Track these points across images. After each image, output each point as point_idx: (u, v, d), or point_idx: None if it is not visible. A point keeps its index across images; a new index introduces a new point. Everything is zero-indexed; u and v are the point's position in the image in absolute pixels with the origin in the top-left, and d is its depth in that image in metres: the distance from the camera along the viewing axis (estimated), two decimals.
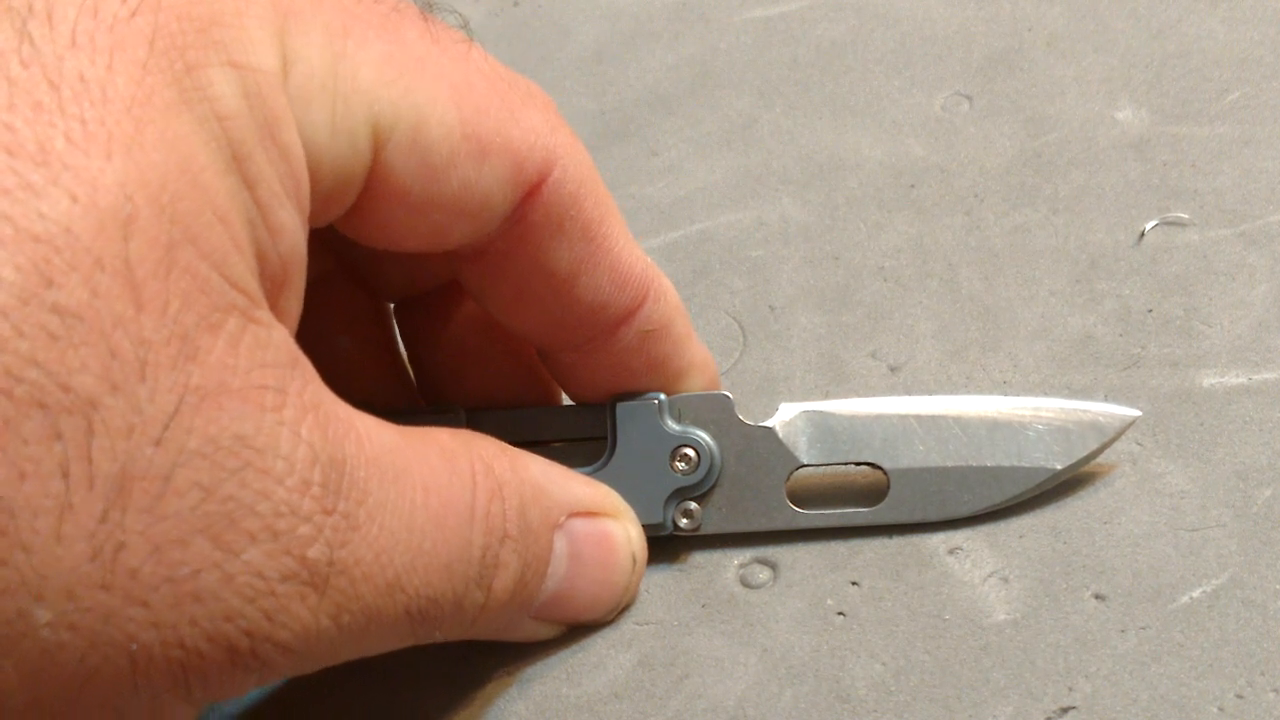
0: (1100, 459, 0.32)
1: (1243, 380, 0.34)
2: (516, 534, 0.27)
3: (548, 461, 0.30)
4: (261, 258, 0.23)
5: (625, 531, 0.30)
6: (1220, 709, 0.28)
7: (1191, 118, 0.40)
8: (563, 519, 0.29)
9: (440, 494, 0.26)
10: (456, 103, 0.26)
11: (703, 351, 0.32)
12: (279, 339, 0.23)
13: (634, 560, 0.31)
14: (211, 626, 0.22)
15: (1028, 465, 0.32)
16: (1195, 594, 0.30)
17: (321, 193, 0.25)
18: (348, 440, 0.24)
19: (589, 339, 0.30)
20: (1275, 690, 0.28)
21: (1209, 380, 0.34)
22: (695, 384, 0.32)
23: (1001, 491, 0.32)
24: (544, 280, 0.29)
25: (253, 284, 0.23)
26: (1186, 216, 0.38)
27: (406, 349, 0.34)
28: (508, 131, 0.27)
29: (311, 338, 0.32)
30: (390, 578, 0.24)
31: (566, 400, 0.33)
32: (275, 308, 0.24)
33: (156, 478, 0.21)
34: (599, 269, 0.29)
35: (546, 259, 0.29)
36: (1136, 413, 0.32)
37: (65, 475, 0.20)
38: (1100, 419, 0.32)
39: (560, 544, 0.29)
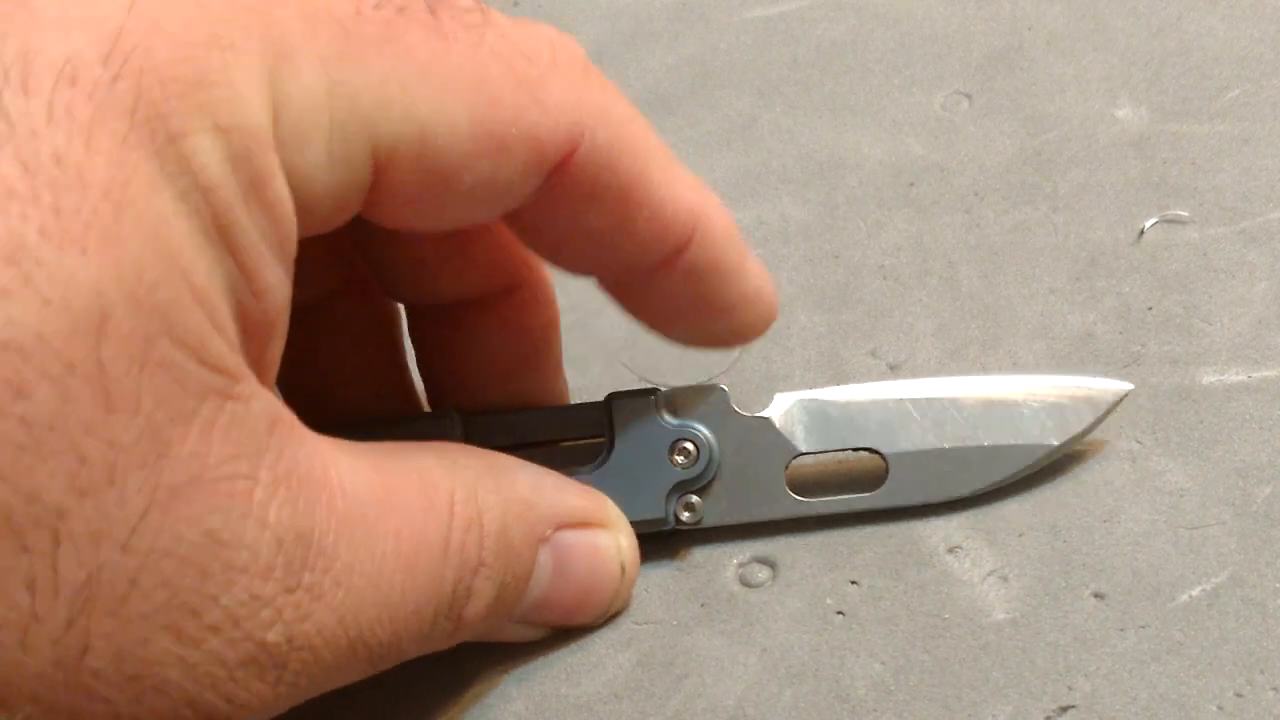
0: (1095, 434, 0.32)
1: (1242, 378, 0.34)
2: (493, 559, 0.27)
3: (540, 471, 0.29)
4: (245, 320, 0.23)
5: (615, 541, 0.30)
6: (1220, 708, 0.28)
7: (1191, 115, 0.40)
8: (549, 532, 0.29)
9: (413, 537, 0.26)
10: (468, 103, 0.25)
11: (754, 283, 0.30)
12: (257, 409, 0.23)
13: (622, 570, 0.30)
14: (172, 713, 0.22)
15: (1025, 443, 0.32)
16: (1195, 592, 0.30)
17: (319, 217, 0.25)
18: (318, 506, 0.24)
19: (633, 278, 0.29)
20: (1275, 689, 0.28)
21: (1209, 378, 0.34)
22: (745, 318, 0.30)
23: (1000, 470, 0.32)
24: (580, 236, 0.28)
25: (232, 359, 0.22)
26: (1186, 214, 0.38)
27: (414, 349, 0.33)
28: (527, 117, 0.26)
29: (316, 345, 0.32)
30: (354, 635, 0.24)
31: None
32: (259, 361, 0.24)
33: (123, 580, 0.21)
34: (638, 220, 0.28)
35: (580, 220, 0.28)
36: (1129, 386, 0.32)
37: (31, 588, 0.20)
38: (1094, 393, 0.32)
39: (544, 557, 0.29)
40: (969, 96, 0.43)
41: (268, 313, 0.24)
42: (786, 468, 0.32)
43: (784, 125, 0.43)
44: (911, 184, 0.40)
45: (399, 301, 0.33)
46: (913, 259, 0.38)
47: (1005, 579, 0.31)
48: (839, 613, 0.31)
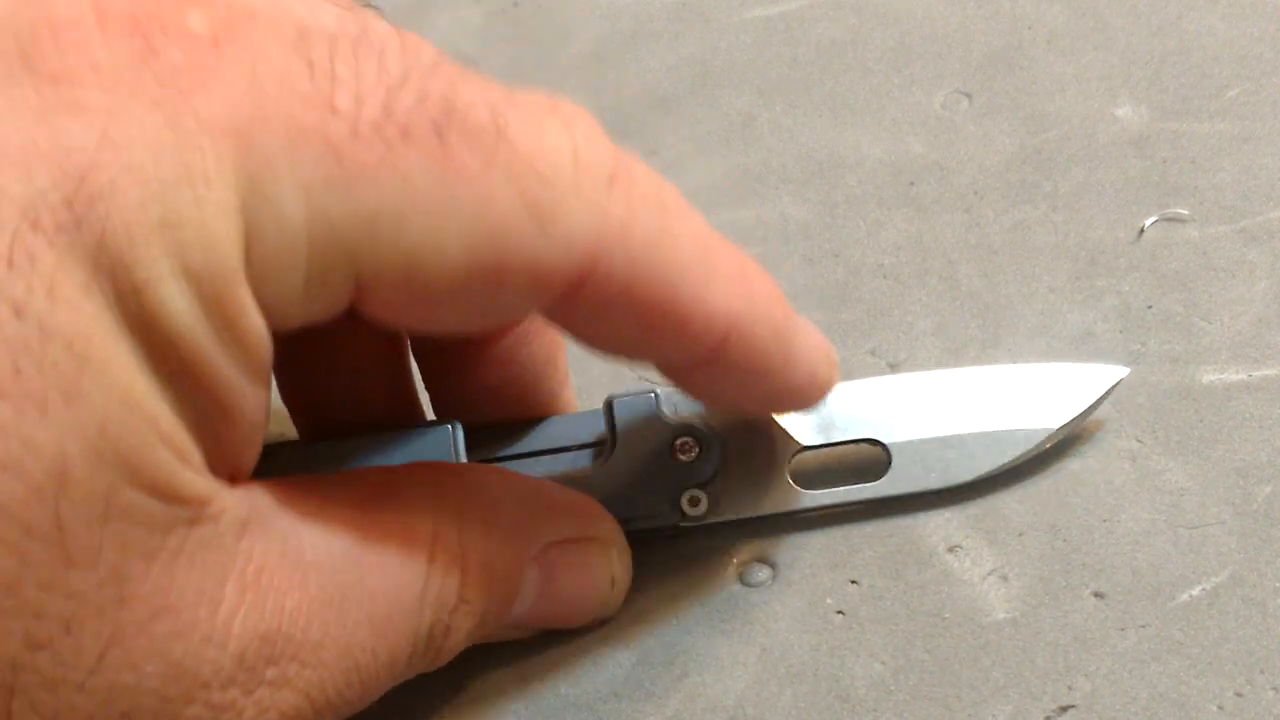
0: (1093, 416, 0.33)
1: (1243, 377, 0.34)
2: (474, 595, 0.27)
3: (532, 486, 0.29)
4: (218, 441, 0.23)
5: (605, 554, 0.30)
6: (1220, 707, 0.28)
7: (1191, 114, 0.40)
8: (537, 552, 0.29)
9: (388, 595, 0.25)
10: (465, 235, 0.23)
11: (803, 372, 0.28)
12: (227, 520, 0.23)
13: (613, 582, 0.30)
14: None
15: (1025, 427, 0.32)
16: (1195, 592, 0.30)
17: (292, 327, 0.24)
18: (289, 596, 0.23)
19: (668, 368, 0.28)
20: (1275, 688, 0.28)
21: (1209, 377, 0.34)
22: (794, 403, 0.29)
23: (1002, 454, 0.32)
24: (600, 338, 0.26)
25: (202, 485, 0.22)
26: (1186, 213, 0.38)
27: (419, 369, 0.33)
28: (531, 249, 0.23)
29: (321, 363, 0.31)
30: (321, 705, 0.24)
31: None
32: (236, 463, 0.23)
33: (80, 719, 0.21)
34: (661, 333, 0.25)
35: (599, 329, 0.26)
36: (1126, 369, 0.33)
37: None
38: (1091, 376, 0.33)
39: (531, 575, 0.29)
40: (969, 95, 0.43)
41: (244, 428, 0.23)
42: (789, 462, 0.32)
43: (784, 124, 0.43)
44: (911, 183, 0.40)
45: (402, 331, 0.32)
46: (912, 258, 0.38)
47: (1005, 578, 0.31)
48: (839, 612, 0.31)
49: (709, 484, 0.32)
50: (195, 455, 0.22)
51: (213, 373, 0.22)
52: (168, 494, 0.21)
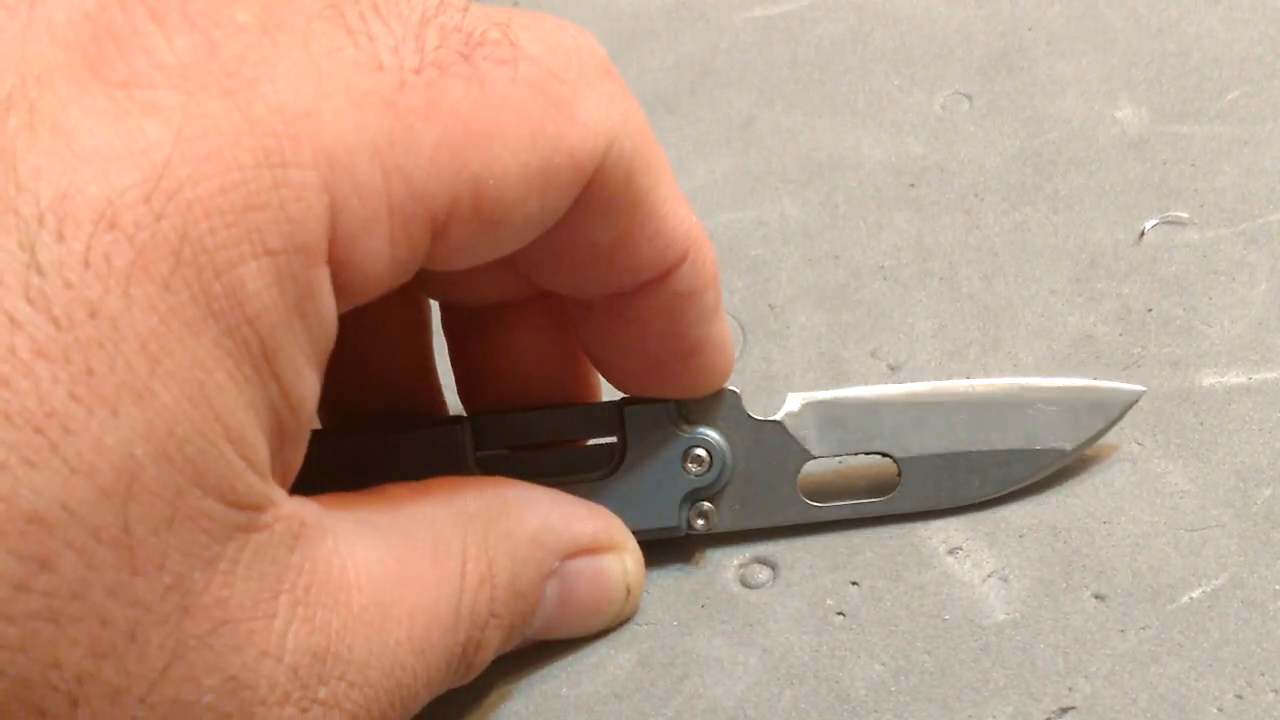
0: (1104, 439, 0.32)
1: (1242, 380, 0.34)
2: (503, 610, 0.27)
3: (549, 499, 0.29)
4: (278, 433, 0.23)
5: (621, 564, 0.30)
6: (1220, 709, 0.28)
7: (1191, 116, 0.40)
8: (556, 564, 0.29)
9: (427, 613, 0.26)
10: (513, 145, 0.24)
11: (723, 330, 0.30)
12: (281, 530, 0.23)
13: (628, 591, 0.31)
14: None
15: (1038, 447, 0.32)
16: (1195, 594, 0.30)
17: (379, 289, 0.24)
18: (336, 613, 0.24)
19: (614, 299, 0.29)
20: (1275, 690, 0.28)
21: (1209, 380, 0.34)
22: (709, 363, 0.30)
23: (1013, 475, 0.32)
24: (584, 248, 0.28)
25: (260, 489, 0.22)
26: (1186, 215, 0.38)
27: (448, 345, 0.33)
28: (567, 141, 0.25)
29: (344, 349, 0.31)
30: None
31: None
32: (287, 465, 0.24)
33: None
34: (642, 233, 0.27)
35: (588, 233, 0.27)
36: (1141, 389, 0.32)
37: None
38: (1106, 397, 0.32)
39: (551, 589, 0.29)
40: (969, 97, 0.43)
41: (300, 419, 0.23)
42: (798, 472, 0.32)
43: (784, 125, 0.43)
44: (912, 184, 0.40)
45: (435, 300, 0.32)
46: (913, 260, 0.38)
47: (1006, 580, 0.31)
48: (839, 613, 0.31)
49: (718, 496, 0.32)
50: (259, 453, 0.22)
51: (284, 354, 0.22)
52: (230, 498, 0.22)
